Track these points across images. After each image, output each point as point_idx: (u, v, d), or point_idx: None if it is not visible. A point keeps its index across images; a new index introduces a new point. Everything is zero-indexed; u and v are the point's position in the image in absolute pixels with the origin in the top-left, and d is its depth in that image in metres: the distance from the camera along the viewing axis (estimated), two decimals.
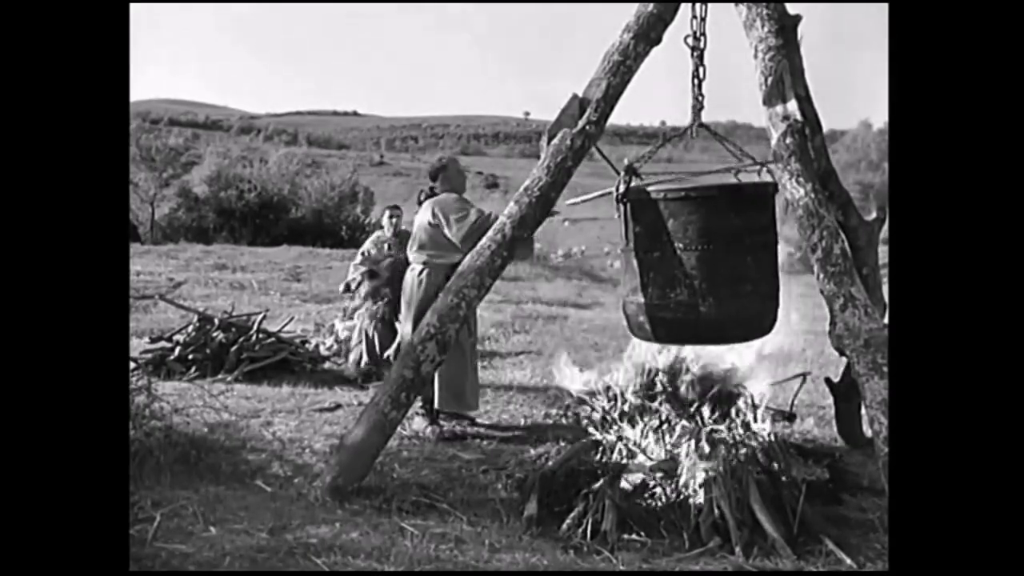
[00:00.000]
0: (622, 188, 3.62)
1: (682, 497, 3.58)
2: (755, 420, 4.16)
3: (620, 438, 4.04)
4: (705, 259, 3.45)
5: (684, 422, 4.03)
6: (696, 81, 3.75)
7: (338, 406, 5.44)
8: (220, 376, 6.14)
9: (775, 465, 3.76)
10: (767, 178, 3.67)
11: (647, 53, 3.96)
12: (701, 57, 3.74)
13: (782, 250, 3.72)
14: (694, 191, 3.53)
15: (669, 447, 3.89)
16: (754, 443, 3.90)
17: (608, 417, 4.24)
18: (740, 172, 3.71)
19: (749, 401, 4.28)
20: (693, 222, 3.45)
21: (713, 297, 3.45)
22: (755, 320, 3.59)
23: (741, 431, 4.02)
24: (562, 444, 4.24)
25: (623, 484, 3.67)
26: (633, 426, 4.10)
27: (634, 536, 3.41)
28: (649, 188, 3.61)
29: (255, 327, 6.71)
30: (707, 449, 3.76)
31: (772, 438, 4.01)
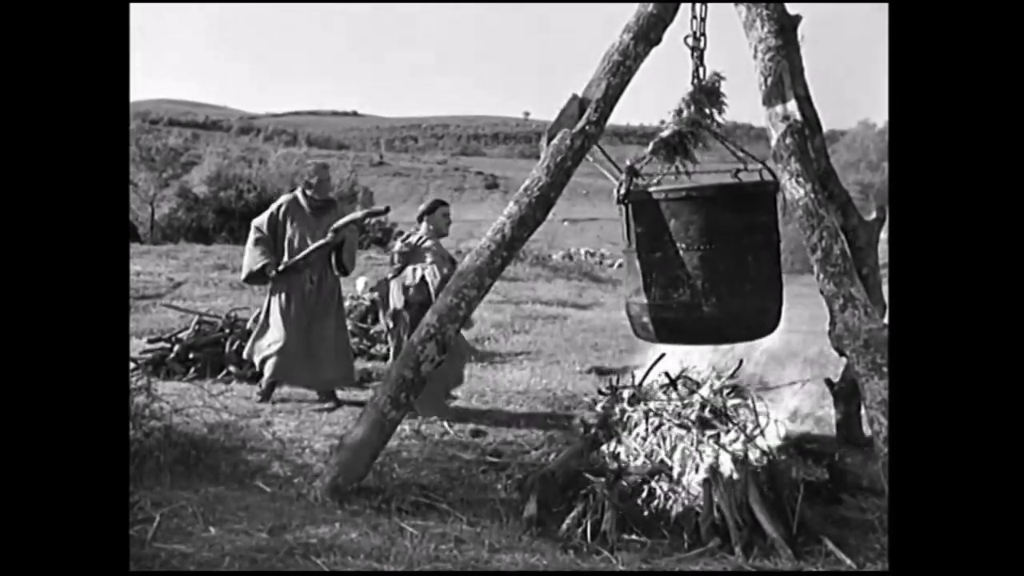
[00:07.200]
0: (623, 189, 3.62)
1: (682, 497, 3.58)
2: (755, 421, 4.15)
3: (620, 440, 4.03)
4: (707, 259, 3.45)
5: (684, 424, 4.02)
6: (696, 81, 3.76)
7: (338, 405, 5.44)
8: (224, 376, 6.15)
9: (775, 465, 3.76)
10: (767, 177, 3.68)
11: (647, 53, 3.96)
12: (701, 57, 3.75)
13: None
14: (695, 191, 3.53)
15: (669, 449, 3.89)
16: (753, 444, 3.89)
17: (609, 419, 4.24)
18: (740, 172, 3.72)
19: (749, 402, 4.27)
20: (694, 222, 3.45)
21: (715, 297, 3.45)
22: (757, 319, 3.59)
23: (740, 432, 4.01)
24: (562, 444, 4.24)
25: (622, 484, 3.67)
26: (634, 428, 4.09)
27: (634, 536, 3.41)
28: (650, 188, 3.61)
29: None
30: (706, 451, 3.75)
31: (771, 438, 4.01)
